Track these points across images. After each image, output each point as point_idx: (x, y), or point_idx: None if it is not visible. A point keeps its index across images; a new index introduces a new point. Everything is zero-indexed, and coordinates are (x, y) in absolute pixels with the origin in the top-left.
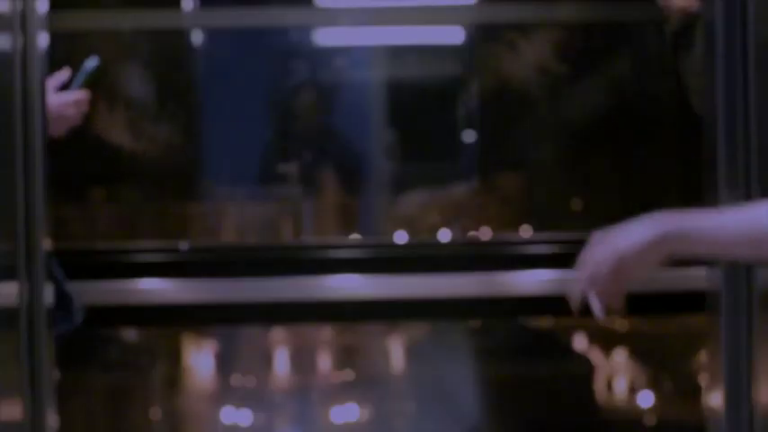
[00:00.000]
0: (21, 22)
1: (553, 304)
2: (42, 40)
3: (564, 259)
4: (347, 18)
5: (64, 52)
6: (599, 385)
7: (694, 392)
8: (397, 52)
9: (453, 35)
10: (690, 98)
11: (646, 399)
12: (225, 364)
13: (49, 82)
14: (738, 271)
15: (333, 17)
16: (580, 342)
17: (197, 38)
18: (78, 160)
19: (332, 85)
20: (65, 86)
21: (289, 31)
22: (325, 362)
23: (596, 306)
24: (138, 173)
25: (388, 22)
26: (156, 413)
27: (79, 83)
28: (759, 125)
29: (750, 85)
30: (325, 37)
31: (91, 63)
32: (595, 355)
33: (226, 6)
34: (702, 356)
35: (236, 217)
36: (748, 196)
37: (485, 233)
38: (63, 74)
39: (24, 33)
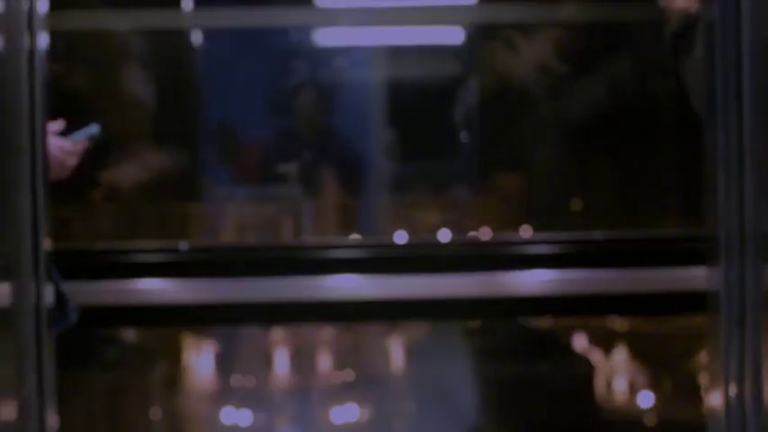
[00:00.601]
0: (28, 21)
1: (553, 304)
2: (43, 40)
3: (564, 259)
4: (347, 18)
5: (64, 52)
6: (599, 385)
7: (694, 392)
8: (397, 52)
9: (453, 35)
10: (690, 99)
11: (646, 399)
12: (225, 364)
13: (49, 125)
14: (739, 271)
15: (333, 17)
16: (580, 342)
17: (197, 38)
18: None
19: (332, 85)
20: (62, 134)
21: (289, 31)
22: (325, 362)
23: None
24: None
25: (388, 22)
26: (155, 413)
27: (76, 139)
28: (756, 126)
29: (744, 85)
30: (325, 37)
31: (93, 129)
32: (595, 355)
33: (226, 6)
34: (702, 356)
35: (236, 217)
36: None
37: (485, 233)
38: (59, 123)
39: (31, 33)
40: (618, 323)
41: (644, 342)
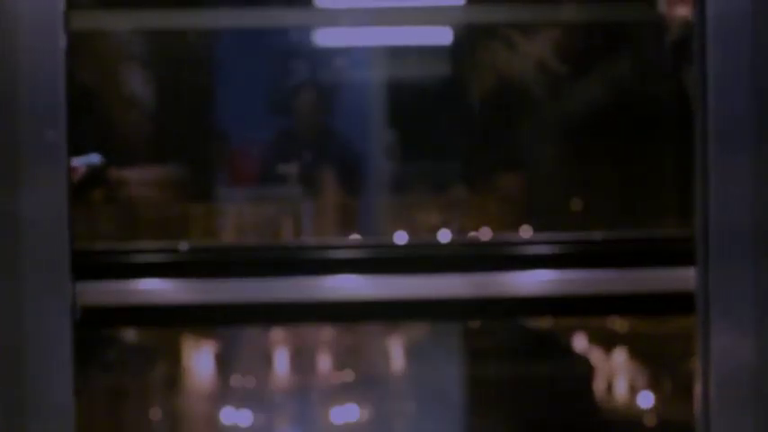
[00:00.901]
0: (64, 21)
1: (553, 304)
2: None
3: (564, 259)
4: (347, 18)
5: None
6: (599, 385)
7: (694, 392)
8: (397, 52)
9: (453, 35)
10: (692, 102)
11: (646, 399)
12: (225, 364)
13: None
14: (703, 271)
15: (333, 17)
16: (580, 342)
17: (196, 38)
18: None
19: (332, 85)
20: None
21: (289, 31)
22: (325, 362)
23: None
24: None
25: (388, 22)
26: (155, 414)
27: (75, 164)
28: (716, 128)
29: (708, 88)
30: (325, 37)
31: (93, 158)
32: (595, 356)
33: (226, 6)
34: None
35: (235, 217)
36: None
37: (485, 233)
38: None
39: (67, 33)
40: (618, 323)
41: (644, 342)
